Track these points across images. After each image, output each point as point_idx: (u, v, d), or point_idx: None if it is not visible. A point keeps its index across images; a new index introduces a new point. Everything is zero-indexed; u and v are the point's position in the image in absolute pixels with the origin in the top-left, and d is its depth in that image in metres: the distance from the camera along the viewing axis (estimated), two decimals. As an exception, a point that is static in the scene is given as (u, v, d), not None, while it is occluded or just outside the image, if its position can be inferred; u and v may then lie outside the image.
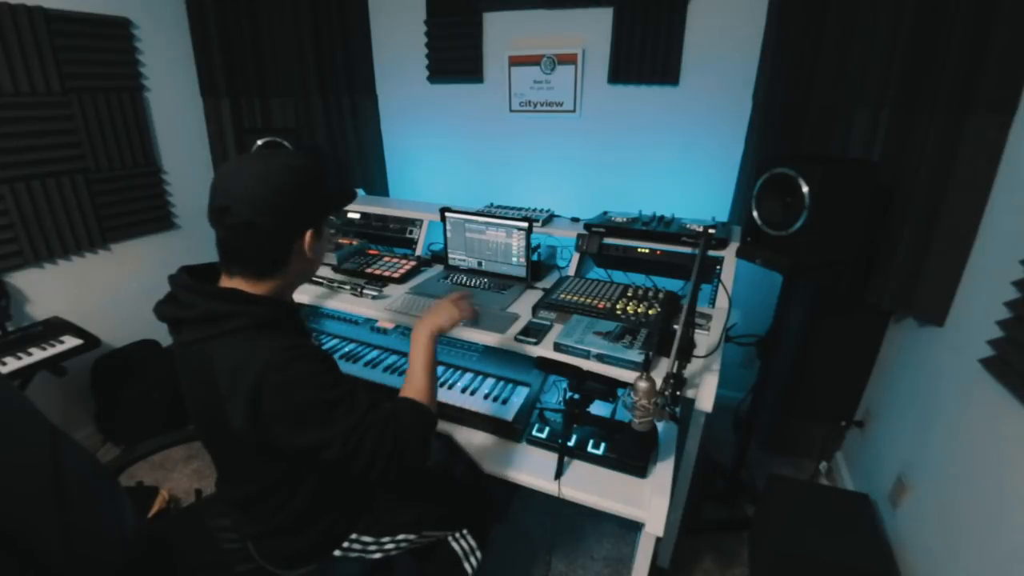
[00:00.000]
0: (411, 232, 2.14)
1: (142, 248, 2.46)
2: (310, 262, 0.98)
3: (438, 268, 1.98)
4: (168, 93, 2.45)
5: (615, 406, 1.51)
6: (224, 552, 1.12)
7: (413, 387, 1.01)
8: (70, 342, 1.87)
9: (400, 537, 1.16)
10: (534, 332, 1.44)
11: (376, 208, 2.24)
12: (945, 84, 1.44)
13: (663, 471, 1.29)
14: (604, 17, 2.24)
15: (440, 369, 1.67)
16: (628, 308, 1.47)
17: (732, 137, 2.17)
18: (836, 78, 1.78)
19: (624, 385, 1.27)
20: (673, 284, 1.72)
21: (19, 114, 1.93)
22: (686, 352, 1.23)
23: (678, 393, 1.09)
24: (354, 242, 2.06)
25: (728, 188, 2.21)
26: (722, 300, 1.61)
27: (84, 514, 0.85)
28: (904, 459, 1.63)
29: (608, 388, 1.34)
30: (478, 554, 1.29)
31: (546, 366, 1.38)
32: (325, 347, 1.83)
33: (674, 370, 1.09)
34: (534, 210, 2.13)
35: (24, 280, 2.04)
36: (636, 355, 1.26)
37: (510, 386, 1.60)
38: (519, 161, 2.65)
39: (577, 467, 1.33)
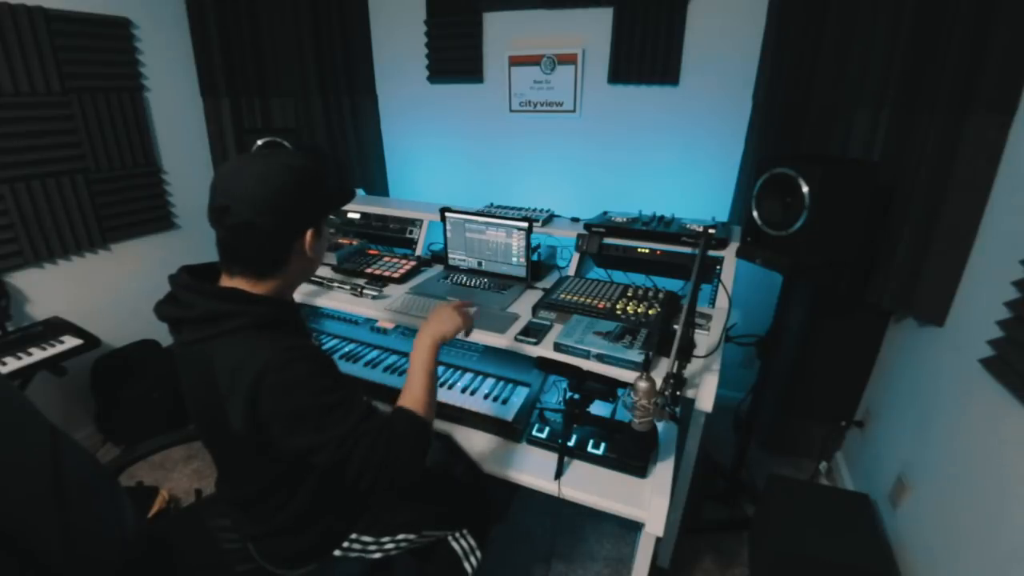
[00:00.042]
0: (411, 232, 2.14)
1: (142, 248, 2.46)
2: (310, 261, 0.98)
3: (438, 268, 1.98)
4: (168, 93, 2.45)
5: (615, 406, 1.51)
6: (224, 552, 1.12)
7: (411, 397, 0.99)
8: (70, 342, 1.87)
9: (400, 537, 1.16)
10: (534, 332, 1.44)
11: (376, 208, 2.24)
12: (945, 84, 1.44)
13: (663, 471, 1.29)
14: (604, 17, 2.24)
15: (440, 369, 1.67)
16: (628, 308, 1.47)
17: (732, 137, 2.17)
18: (836, 78, 1.78)
19: (624, 385, 1.26)
20: (673, 284, 1.72)
21: (19, 114, 1.93)
22: (686, 352, 1.23)
23: (678, 393, 1.09)
24: (354, 242, 2.06)
25: (728, 188, 2.21)
26: (722, 300, 1.61)
27: (84, 514, 0.85)
28: (904, 459, 1.63)
29: (608, 388, 1.34)
30: (478, 554, 1.29)
31: (546, 366, 1.38)
32: (325, 347, 1.83)
33: (674, 370, 1.09)
34: (534, 210, 2.13)
35: (24, 280, 2.04)
36: (636, 355, 1.26)
37: (510, 386, 1.60)
38: (519, 161, 2.65)
39: (577, 467, 1.33)
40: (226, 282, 0.93)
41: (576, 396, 1.36)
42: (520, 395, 1.56)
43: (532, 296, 1.70)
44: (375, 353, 1.79)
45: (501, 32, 2.46)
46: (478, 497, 1.36)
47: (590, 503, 1.25)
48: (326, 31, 2.60)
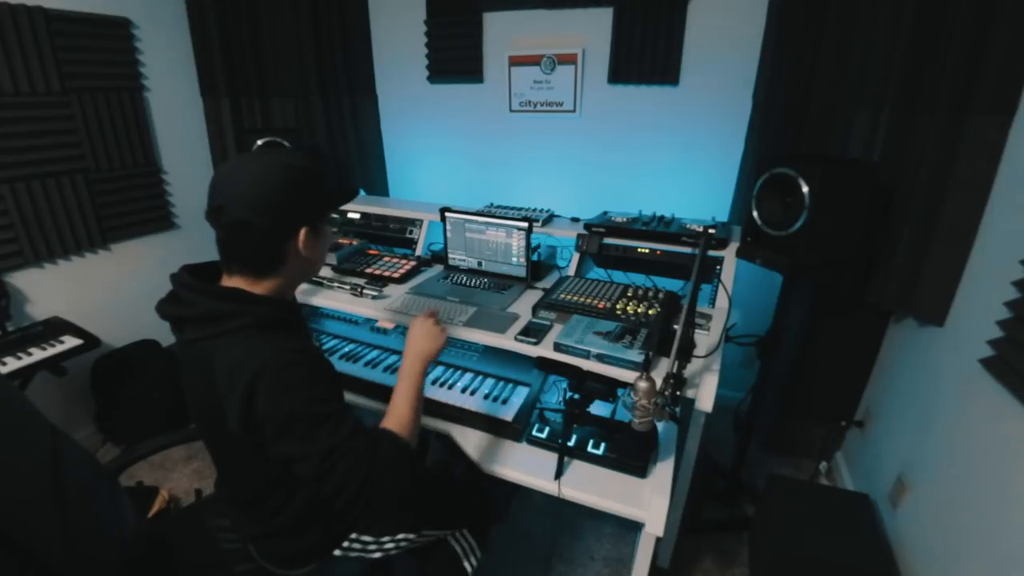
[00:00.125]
0: (411, 232, 2.14)
1: (142, 248, 2.46)
2: (310, 261, 0.97)
3: (438, 268, 1.98)
4: (168, 93, 2.45)
5: (615, 406, 1.51)
6: (224, 552, 1.12)
7: (396, 418, 0.97)
8: (70, 342, 1.87)
9: (400, 536, 1.16)
10: (534, 332, 1.44)
11: (376, 208, 2.24)
12: (945, 84, 1.44)
13: (663, 471, 1.29)
14: (604, 17, 2.24)
15: (440, 369, 1.67)
16: (628, 308, 1.47)
17: (732, 137, 2.17)
18: (836, 78, 1.78)
19: (624, 385, 1.26)
20: (673, 284, 1.72)
21: (19, 114, 1.93)
22: (686, 352, 1.23)
23: (678, 393, 1.09)
24: (354, 242, 2.06)
25: (728, 188, 2.21)
26: (722, 300, 1.61)
27: (84, 514, 0.85)
28: (904, 459, 1.63)
29: (608, 388, 1.34)
30: (478, 553, 1.29)
31: (546, 366, 1.38)
32: (325, 347, 1.83)
33: (674, 370, 1.09)
34: (534, 210, 2.13)
35: (24, 280, 2.04)
36: (636, 355, 1.26)
37: (510, 386, 1.60)
38: (519, 161, 2.65)
39: (577, 467, 1.33)
40: (227, 281, 0.93)
41: (576, 396, 1.36)
42: (520, 395, 1.55)
43: (532, 296, 1.70)
44: (375, 353, 1.79)
45: (501, 32, 2.46)
46: (478, 497, 1.36)
47: (590, 503, 1.25)
48: (326, 31, 2.60)
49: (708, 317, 1.54)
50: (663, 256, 1.75)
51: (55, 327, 1.95)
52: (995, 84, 1.33)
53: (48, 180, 2.03)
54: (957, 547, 1.30)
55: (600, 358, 1.30)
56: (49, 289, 2.11)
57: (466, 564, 1.26)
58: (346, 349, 1.82)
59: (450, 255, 1.93)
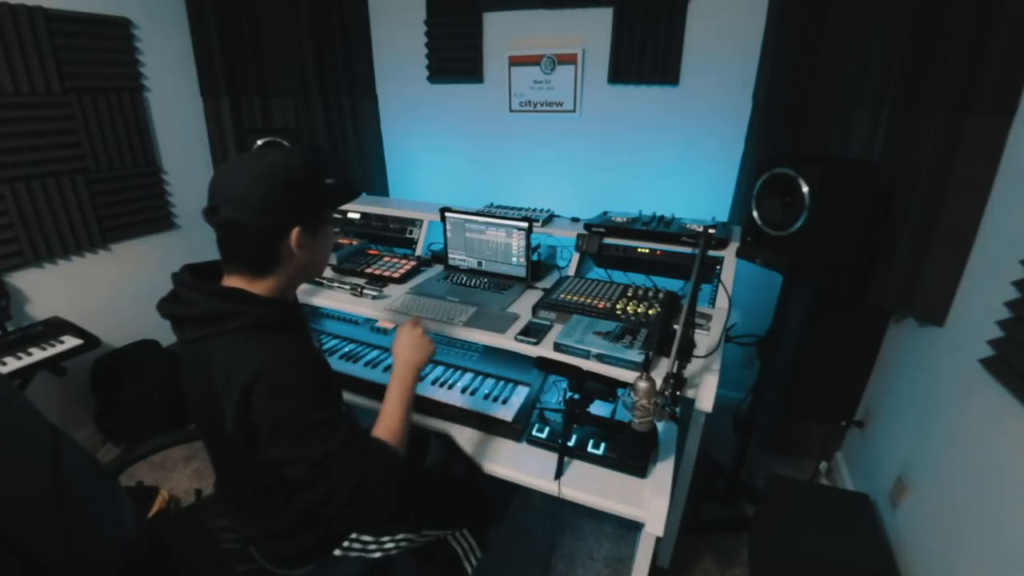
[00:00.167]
0: (411, 232, 2.14)
1: (142, 248, 2.46)
2: (311, 260, 0.97)
3: (438, 268, 1.98)
4: (168, 93, 2.45)
5: (615, 406, 1.51)
6: (224, 552, 1.12)
7: (387, 428, 0.98)
8: (70, 342, 1.87)
9: (400, 536, 1.16)
10: (534, 332, 1.44)
11: (376, 208, 2.24)
12: (945, 84, 1.44)
13: (663, 471, 1.29)
14: (604, 17, 2.24)
15: (440, 369, 1.67)
16: (628, 308, 1.47)
17: (732, 137, 2.17)
18: (836, 78, 1.78)
19: (624, 385, 1.26)
20: (673, 284, 1.72)
21: (19, 114, 1.93)
22: (686, 352, 1.23)
23: (678, 393, 1.09)
24: (354, 242, 2.06)
25: (728, 188, 2.21)
26: (722, 300, 1.61)
27: (84, 514, 0.85)
28: (904, 459, 1.63)
29: (608, 388, 1.34)
30: (478, 553, 1.29)
31: (546, 366, 1.38)
32: (325, 347, 1.83)
33: (674, 370, 1.09)
34: (534, 210, 2.13)
35: (24, 280, 2.04)
36: (636, 355, 1.26)
37: (510, 386, 1.60)
38: (519, 161, 2.65)
39: (577, 467, 1.33)
40: (227, 281, 0.93)
41: (576, 396, 1.36)
42: (520, 395, 1.55)
43: (532, 296, 1.70)
44: (375, 353, 1.79)
45: (501, 32, 2.46)
46: (478, 497, 1.36)
47: (590, 503, 1.25)
48: (326, 31, 2.60)
49: (708, 317, 1.54)
50: (663, 256, 1.75)
51: (55, 327, 1.95)
52: (995, 84, 1.33)
53: (48, 180, 2.03)
54: (957, 547, 1.30)
55: (600, 358, 1.30)
56: (49, 289, 2.11)
57: (466, 564, 1.26)
58: (346, 349, 1.82)
59: (450, 255, 1.93)
